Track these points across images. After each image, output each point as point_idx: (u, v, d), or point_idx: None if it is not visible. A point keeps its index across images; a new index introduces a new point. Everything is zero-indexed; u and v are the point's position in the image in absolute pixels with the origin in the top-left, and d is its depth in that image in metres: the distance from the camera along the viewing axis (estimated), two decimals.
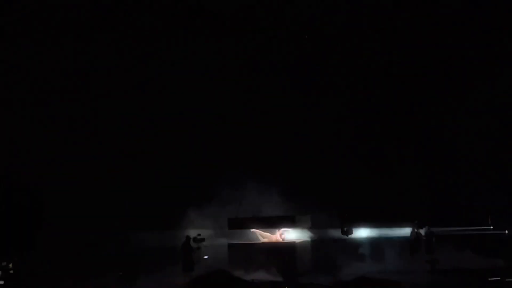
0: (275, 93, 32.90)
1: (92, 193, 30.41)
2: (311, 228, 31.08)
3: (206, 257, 28.44)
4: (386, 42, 32.89)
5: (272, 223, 30.20)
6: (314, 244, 30.96)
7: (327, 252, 30.36)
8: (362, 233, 31.45)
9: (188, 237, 28.29)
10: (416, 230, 31.14)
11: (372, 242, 31.62)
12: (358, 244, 31.36)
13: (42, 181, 28.52)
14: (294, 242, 29.92)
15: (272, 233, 30.50)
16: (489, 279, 25.89)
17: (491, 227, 31.78)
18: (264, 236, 30.47)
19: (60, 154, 30.79)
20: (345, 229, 30.32)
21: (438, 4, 32.28)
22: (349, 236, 30.45)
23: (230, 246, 29.83)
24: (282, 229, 30.38)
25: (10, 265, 26.24)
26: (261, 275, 27.38)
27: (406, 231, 31.48)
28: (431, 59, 33.03)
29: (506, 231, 31.68)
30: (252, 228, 30.37)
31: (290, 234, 30.61)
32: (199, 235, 28.72)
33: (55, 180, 29.47)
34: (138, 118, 32.35)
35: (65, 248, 28.70)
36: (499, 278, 25.81)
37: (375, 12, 32.54)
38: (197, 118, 32.79)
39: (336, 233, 30.62)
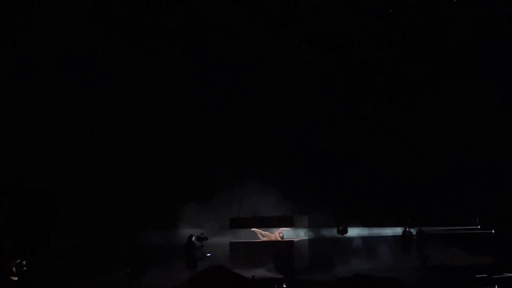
0: (274, 94, 32.97)
1: (99, 193, 30.57)
2: (308, 227, 31.54)
3: (209, 254, 28.80)
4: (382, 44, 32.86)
5: (271, 223, 30.61)
6: (311, 242, 31.38)
7: (323, 251, 30.92)
8: (356, 232, 32.16)
9: (191, 236, 28.71)
10: (407, 229, 32.07)
11: (366, 241, 32.29)
12: (352, 242, 31.96)
13: (53, 181, 28.38)
14: (292, 241, 30.30)
15: (271, 232, 30.93)
16: (476, 276, 26.39)
17: (479, 226, 32.63)
18: (263, 235, 30.85)
19: (68, 156, 30.89)
20: (341, 228, 30.76)
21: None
22: (344, 235, 30.91)
23: (232, 244, 30.29)
24: (281, 229, 30.82)
25: (24, 262, 26.34)
26: (261, 272, 27.57)
27: (397, 230, 32.40)
28: (425, 61, 32.84)
29: (493, 231, 32.46)
30: (252, 228, 30.93)
31: (288, 233, 31.21)
32: (202, 234, 29.19)
33: (63, 181, 29.40)
34: (142, 120, 32.34)
35: (73, 246, 28.92)
36: (486, 275, 26.26)
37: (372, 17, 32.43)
38: (198, 120, 32.75)
39: (332, 232, 31.27)
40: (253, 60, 32.70)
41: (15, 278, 25.86)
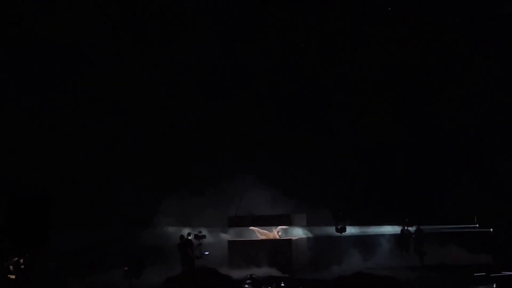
0: (271, 93, 33.08)
1: (96, 192, 30.58)
2: (306, 226, 31.54)
3: (207, 253, 28.56)
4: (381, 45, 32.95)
5: (270, 221, 30.56)
6: (309, 241, 31.49)
7: (322, 249, 30.98)
8: (355, 230, 31.93)
9: (182, 236, 28.50)
10: (406, 228, 31.79)
11: (364, 239, 32.17)
12: (351, 241, 31.75)
13: (51, 182, 28.75)
14: (290, 239, 30.33)
15: (270, 231, 30.92)
16: (475, 274, 26.33)
17: (477, 225, 32.39)
18: (262, 233, 30.99)
19: (66, 157, 30.83)
20: (339, 227, 30.41)
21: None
22: (343, 233, 30.59)
23: (230, 242, 30.38)
24: (279, 227, 30.86)
25: (22, 261, 25.66)
26: (259, 270, 27.49)
27: (396, 229, 32.16)
28: (417, 63, 33.05)
29: (491, 229, 32.24)
30: (250, 226, 30.90)
31: (287, 232, 31.19)
32: (200, 232, 28.86)
33: (62, 181, 29.57)
34: (141, 121, 32.29)
35: (72, 245, 28.74)
36: (484, 274, 26.20)
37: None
38: (195, 120, 32.75)
39: (330, 230, 30.89)
40: (253, 57, 32.82)
41: (13, 277, 25.77)
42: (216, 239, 30.81)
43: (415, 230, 31.74)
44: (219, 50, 32.52)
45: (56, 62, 31.09)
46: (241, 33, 32.47)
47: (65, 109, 31.21)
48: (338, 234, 30.75)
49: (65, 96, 31.20)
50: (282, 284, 23.92)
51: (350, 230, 31.30)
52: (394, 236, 32.36)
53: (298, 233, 31.57)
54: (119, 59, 31.37)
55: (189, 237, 28.68)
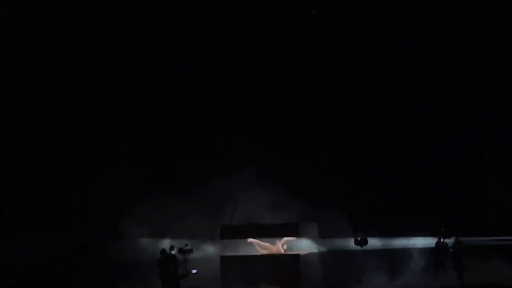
0: (280, 97, 32.64)
1: (62, 196, 29.75)
2: (318, 237, 30.21)
3: (194, 271, 26.05)
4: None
5: (273, 231, 29.14)
6: (322, 256, 29.97)
7: (337, 266, 29.44)
8: (378, 243, 30.55)
9: (163, 251, 26.22)
10: (442, 240, 30.01)
11: (390, 254, 30.52)
12: (373, 256, 29.96)
13: (12, 185, 28.79)
14: (298, 254, 28.83)
15: (273, 244, 29.57)
16: None
17: None
18: (263, 247, 29.63)
19: (30, 159, 30.35)
20: (359, 238, 29.17)
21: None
22: (363, 247, 29.25)
23: (223, 258, 28.89)
24: (284, 239, 29.43)
25: None
26: None
27: (429, 241, 30.52)
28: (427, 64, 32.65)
29: None
30: (248, 238, 29.48)
31: (294, 245, 29.65)
32: (186, 245, 26.48)
33: (25, 186, 29.28)
34: (139, 122, 31.79)
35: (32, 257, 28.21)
36: None
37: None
38: (194, 118, 32.05)
39: (348, 243, 29.67)
40: (253, 54, 32.34)
41: None
42: (206, 253, 29.43)
43: (453, 243, 29.75)
44: (217, 46, 32.61)
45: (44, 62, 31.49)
46: (241, 29, 32.46)
47: (42, 110, 31.16)
48: (358, 247, 29.46)
49: (39, 98, 31.36)
50: None
51: (373, 242, 29.85)
52: (427, 250, 30.48)
53: (307, 246, 29.80)
54: (112, 56, 31.48)
55: (173, 252, 26.04)
